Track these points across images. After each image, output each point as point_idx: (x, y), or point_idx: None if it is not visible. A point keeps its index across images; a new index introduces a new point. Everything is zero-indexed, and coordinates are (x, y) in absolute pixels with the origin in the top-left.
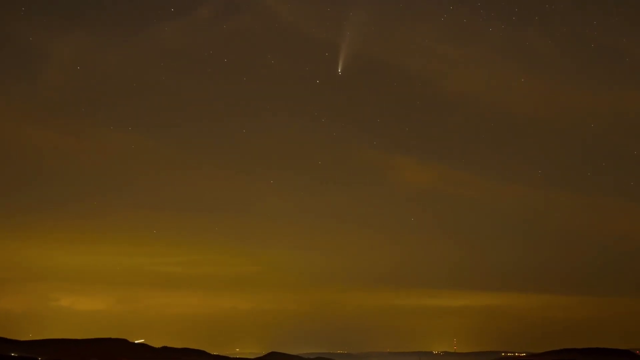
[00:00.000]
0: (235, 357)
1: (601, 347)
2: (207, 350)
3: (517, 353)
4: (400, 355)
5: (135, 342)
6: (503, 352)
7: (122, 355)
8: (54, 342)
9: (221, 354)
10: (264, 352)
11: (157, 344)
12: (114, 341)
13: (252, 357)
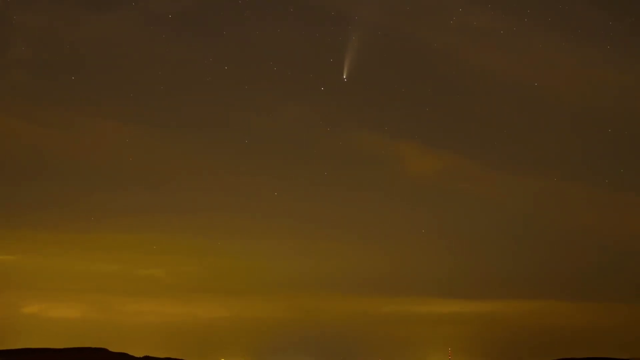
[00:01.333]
0: None
1: (601, 356)
2: None
3: None
4: None
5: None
6: None
7: None
8: (27, 351)
9: None
10: None
11: (138, 353)
12: (93, 351)
13: None
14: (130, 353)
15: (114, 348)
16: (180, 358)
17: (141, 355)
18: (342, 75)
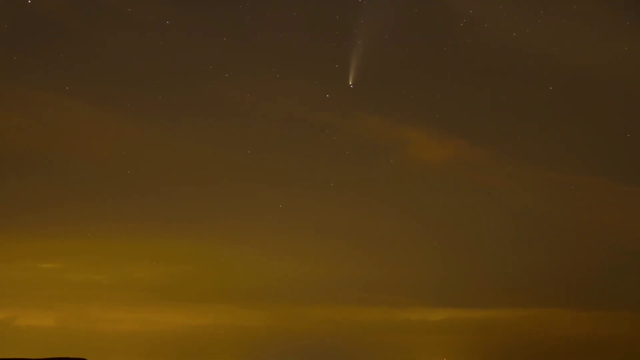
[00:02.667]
0: None
1: None
2: None
3: None
4: None
5: None
6: None
7: None
8: None
9: None
10: None
11: None
12: None
13: None
14: None
15: (93, 358)
16: None
17: None
18: (348, 82)
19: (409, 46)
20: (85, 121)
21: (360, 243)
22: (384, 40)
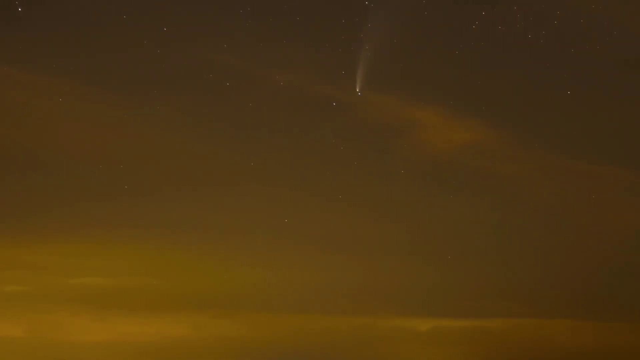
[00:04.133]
0: None
1: None
2: None
3: None
4: None
5: None
6: None
7: None
8: None
9: None
10: None
11: None
12: None
13: None
14: None
15: None
16: None
17: None
18: (356, 89)
19: (418, 50)
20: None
21: (347, 248)
22: (393, 44)
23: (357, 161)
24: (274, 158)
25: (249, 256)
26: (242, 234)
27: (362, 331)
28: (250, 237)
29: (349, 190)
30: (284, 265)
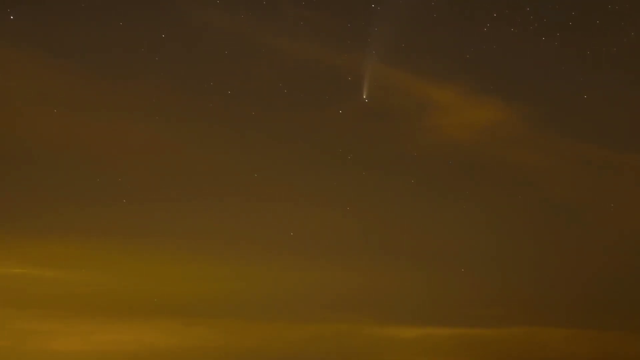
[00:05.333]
0: None
1: None
2: None
3: None
4: None
5: None
6: None
7: None
8: None
9: None
10: None
11: None
12: None
13: None
14: None
15: None
16: None
17: None
18: (362, 96)
19: (427, 54)
20: None
21: (329, 253)
22: (401, 48)
23: (351, 154)
24: (262, 144)
25: (228, 263)
26: (220, 241)
27: (346, 339)
28: (231, 245)
29: (334, 192)
30: (265, 272)
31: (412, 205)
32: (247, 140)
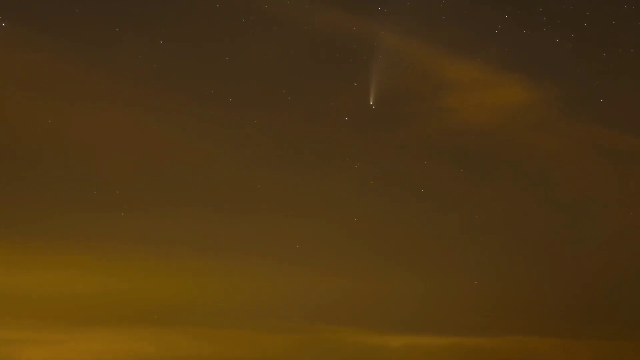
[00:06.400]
0: None
1: None
2: None
3: None
4: None
5: None
6: None
7: None
8: None
9: None
10: None
11: None
12: None
13: None
14: None
15: None
16: None
17: None
18: (369, 101)
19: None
20: None
21: (311, 259)
22: (406, 51)
23: (358, 164)
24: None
25: (215, 273)
26: (200, 250)
27: (330, 348)
28: (212, 253)
29: (319, 197)
30: (246, 279)
31: (412, 213)
32: (249, 144)
